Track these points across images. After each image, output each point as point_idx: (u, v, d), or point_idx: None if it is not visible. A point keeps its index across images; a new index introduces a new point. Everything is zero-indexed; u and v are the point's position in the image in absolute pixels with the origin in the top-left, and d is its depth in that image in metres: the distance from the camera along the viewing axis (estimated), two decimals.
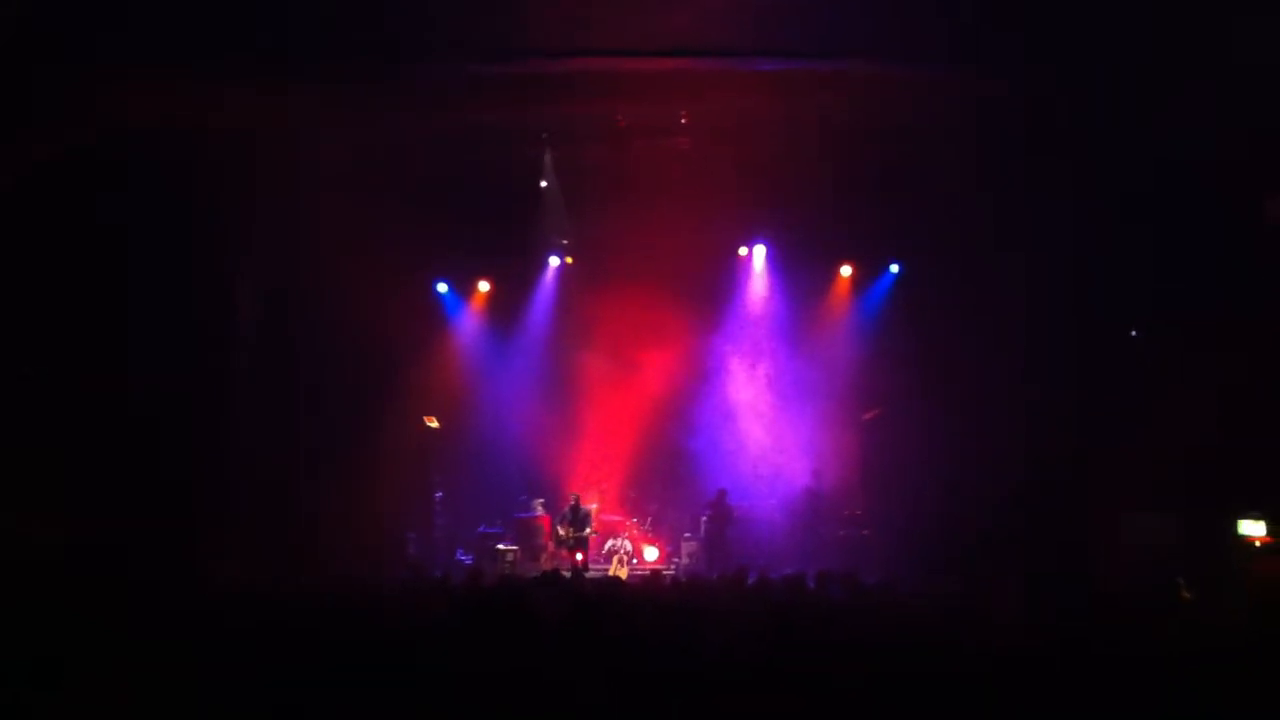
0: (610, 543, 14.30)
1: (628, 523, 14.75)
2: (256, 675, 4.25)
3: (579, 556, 13.47)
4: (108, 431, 10.96)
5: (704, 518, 14.11)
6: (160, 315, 11.66)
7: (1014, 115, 11.57)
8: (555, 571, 9.30)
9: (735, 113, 12.36)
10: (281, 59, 10.14)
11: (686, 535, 14.48)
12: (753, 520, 14.22)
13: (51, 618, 5.27)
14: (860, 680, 4.18)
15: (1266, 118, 9.97)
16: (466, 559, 14.15)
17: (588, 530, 13.63)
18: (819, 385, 15.03)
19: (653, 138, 13.12)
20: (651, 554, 14.44)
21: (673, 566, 13.94)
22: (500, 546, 14.07)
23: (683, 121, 12.84)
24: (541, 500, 14.65)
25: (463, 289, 15.53)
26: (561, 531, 13.79)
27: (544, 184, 14.28)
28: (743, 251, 15.48)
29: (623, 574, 13.26)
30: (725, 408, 15.36)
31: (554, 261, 15.55)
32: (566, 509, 13.83)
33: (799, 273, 15.32)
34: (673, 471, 15.26)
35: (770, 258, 15.50)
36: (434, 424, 14.45)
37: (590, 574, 12.91)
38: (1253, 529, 10.63)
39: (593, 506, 14.30)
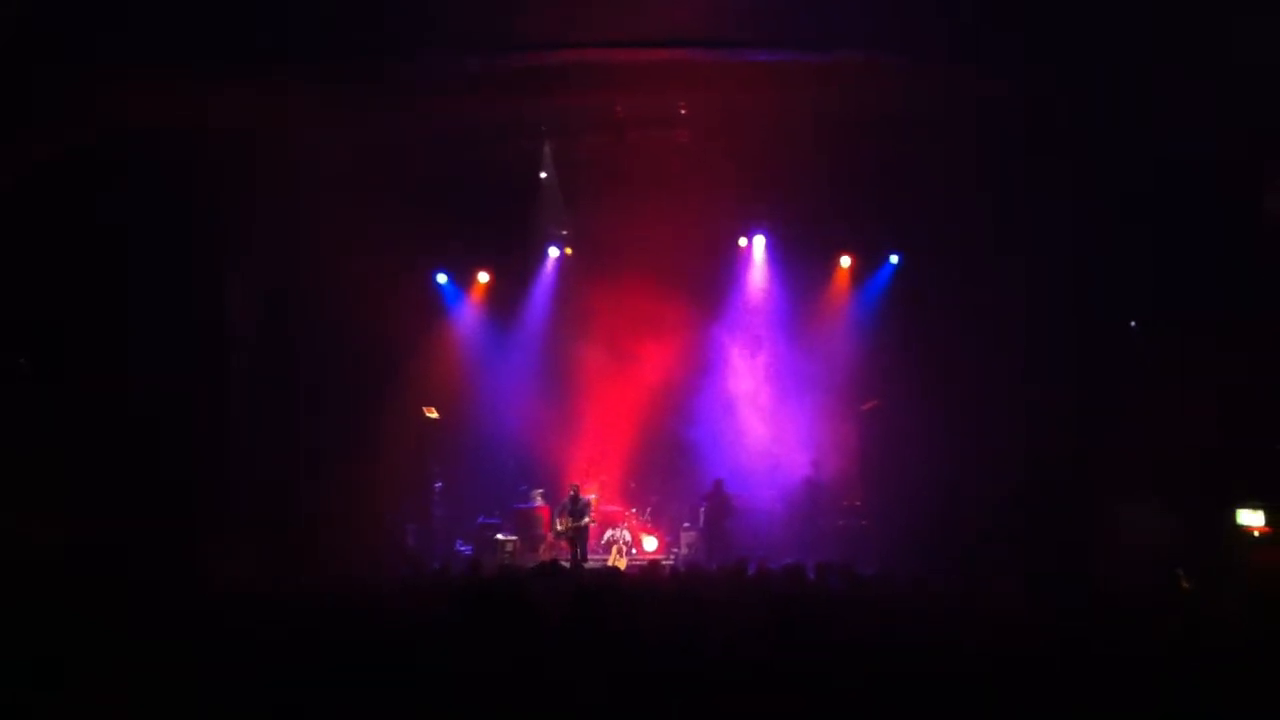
0: (609, 533, 14.34)
1: (627, 513, 14.78)
2: (256, 675, 4.25)
3: (578, 548, 13.51)
4: (108, 431, 10.96)
5: (702, 508, 14.14)
6: (160, 315, 11.66)
7: (1013, 111, 11.56)
8: (554, 562, 9.33)
9: (733, 104, 12.37)
10: (280, 56, 10.14)
11: (685, 525, 14.54)
12: (752, 511, 14.25)
13: (51, 618, 5.27)
14: (860, 679, 4.18)
15: (1266, 117, 9.97)
16: (466, 549, 14.18)
17: (586, 520, 13.66)
18: (818, 376, 15.07)
19: (651, 129, 13.12)
20: (651, 544, 14.47)
21: (672, 557, 14.00)
22: (499, 537, 14.12)
23: (682, 113, 12.83)
24: (541, 491, 14.70)
25: (462, 280, 15.56)
26: (560, 525, 13.82)
27: (543, 176, 14.27)
28: (742, 243, 15.49)
29: (622, 564, 13.31)
30: (724, 399, 15.38)
31: (553, 253, 15.57)
32: (566, 500, 13.88)
33: (798, 263, 15.33)
34: (672, 462, 15.29)
35: (770, 248, 15.51)
36: (433, 415, 14.47)
37: (589, 564, 12.99)
38: (1251, 518, 10.64)
39: (592, 497, 14.34)
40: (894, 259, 14.96)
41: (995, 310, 13.07)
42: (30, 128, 10.29)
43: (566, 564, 11.44)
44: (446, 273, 15.45)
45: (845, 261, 15.25)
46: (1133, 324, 12.71)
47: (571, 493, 13.90)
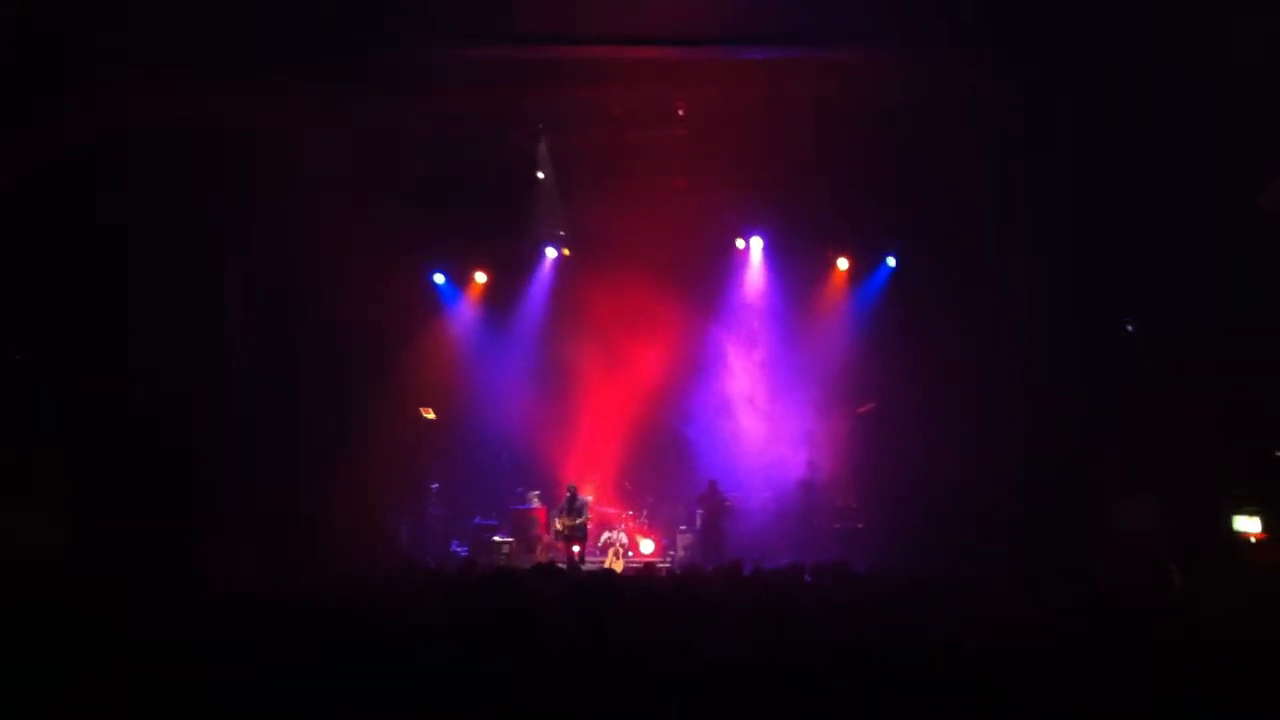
0: (606, 535, 14.34)
1: (623, 515, 14.78)
2: (256, 675, 4.25)
3: (576, 549, 13.51)
4: (108, 431, 10.96)
5: (698, 510, 14.14)
6: (160, 314, 11.66)
7: (1013, 111, 11.56)
8: (551, 563, 9.32)
9: (731, 102, 12.34)
10: (278, 53, 10.13)
11: (682, 528, 14.54)
12: (747, 512, 14.25)
13: (51, 618, 5.27)
14: (859, 679, 4.18)
15: (1266, 117, 9.98)
16: (462, 550, 14.17)
17: (584, 519, 13.67)
18: (814, 378, 15.07)
19: (648, 128, 13.08)
20: (647, 546, 14.47)
21: (668, 559, 13.99)
22: (496, 538, 14.11)
23: (680, 113, 12.85)
24: (537, 492, 14.69)
25: (459, 280, 15.55)
26: (559, 524, 13.82)
27: (540, 175, 14.26)
28: (740, 244, 15.50)
29: (618, 567, 13.30)
30: (721, 400, 15.39)
31: (550, 253, 15.56)
32: (564, 501, 13.89)
33: (795, 265, 15.34)
34: (668, 463, 15.30)
35: (767, 249, 15.51)
36: (430, 415, 14.46)
37: (586, 566, 12.99)
38: (1248, 525, 10.64)
39: (589, 497, 14.34)
40: (890, 261, 14.97)
41: (993, 311, 13.06)
42: (30, 128, 10.29)
43: (563, 565, 11.44)
44: (444, 272, 15.44)
45: (842, 263, 15.26)
46: (1128, 328, 12.70)
47: (569, 493, 13.93)
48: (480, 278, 15.50)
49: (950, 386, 13.20)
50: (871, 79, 11.35)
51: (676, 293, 14.86)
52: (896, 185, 12.97)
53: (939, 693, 4.06)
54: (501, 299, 15.57)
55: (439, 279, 15.44)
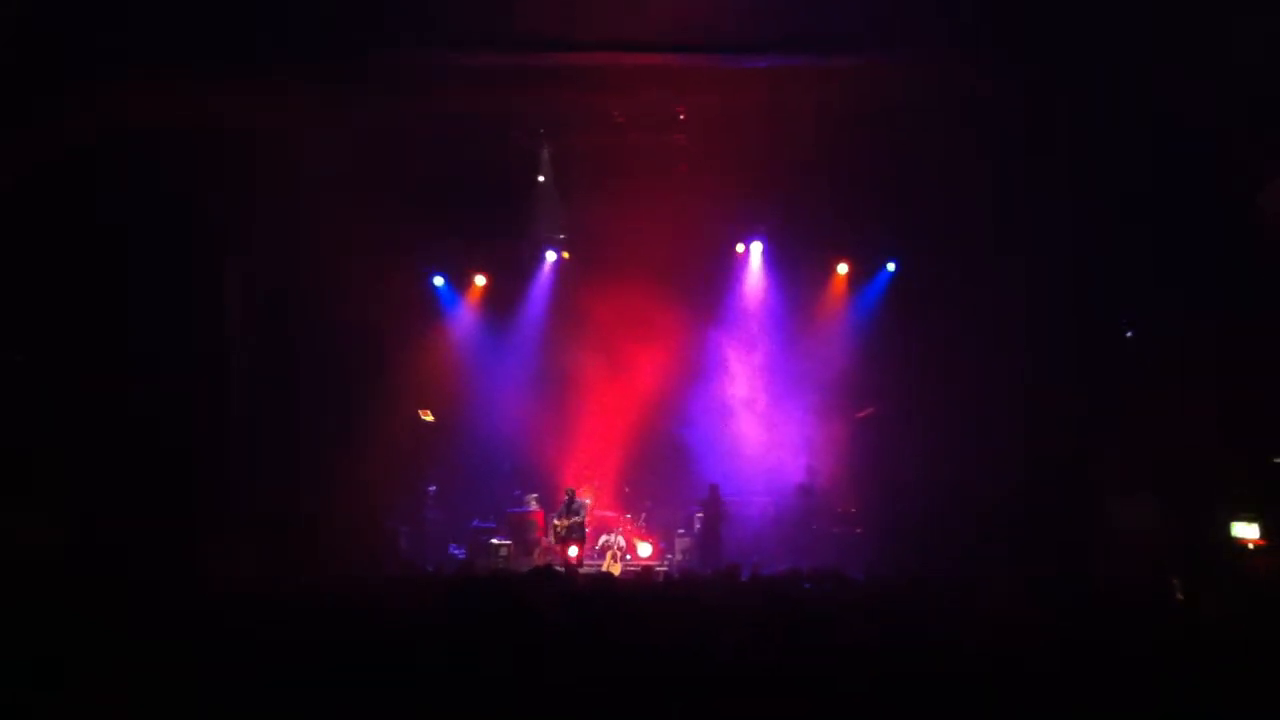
0: (604, 538, 14.33)
1: (622, 519, 14.77)
2: (256, 675, 4.25)
3: (573, 551, 13.50)
4: (108, 431, 10.96)
5: (697, 514, 14.12)
6: (160, 314, 11.66)
7: (1013, 111, 11.56)
8: (549, 566, 9.32)
9: (731, 109, 12.35)
10: (280, 51, 10.14)
11: (680, 531, 14.52)
12: (746, 517, 14.22)
13: (51, 618, 5.27)
14: (860, 682, 4.18)
15: (1266, 116, 9.98)
16: (459, 553, 14.15)
17: (581, 516, 13.70)
18: (814, 382, 15.05)
19: (649, 133, 13.09)
20: (645, 550, 14.46)
21: (666, 563, 13.97)
22: (494, 541, 14.07)
23: (680, 118, 12.85)
24: (535, 495, 14.67)
25: (459, 283, 15.54)
26: (556, 524, 13.83)
27: (540, 179, 14.25)
28: (740, 249, 15.50)
29: (616, 570, 13.30)
30: (720, 404, 15.37)
31: (550, 256, 15.56)
32: (561, 505, 13.92)
33: (795, 269, 15.33)
34: (667, 467, 15.27)
35: (767, 254, 15.51)
36: (429, 418, 14.46)
37: (584, 570, 12.99)
38: (1246, 531, 10.62)
39: (586, 501, 14.34)
40: (890, 266, 14.97)
41: (993, 313, 13.05)
42: (30, 128, 10.29)
43: (561, 569, 11.45)
44: (443, 275, 15.44)
45: (842, 268, 15.26)
46: (1128, 334, 12.70)
47: (566, 497, 13.94)
48: (480, 280, 15.50)
49: (950, 389, 13.19)
50: (871, 83, 11.36)
51: (676, 297, 14.84)
52: (896, 189, 12.96)
53: (940, 694, 4.06)
54: (501, 302, 15.56)
55: (438, 281, 15.44)
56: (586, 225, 14.69)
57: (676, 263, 14.56)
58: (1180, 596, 7.49)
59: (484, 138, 13.18)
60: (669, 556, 14.34)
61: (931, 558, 11.04)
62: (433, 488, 14.62)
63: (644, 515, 14.86)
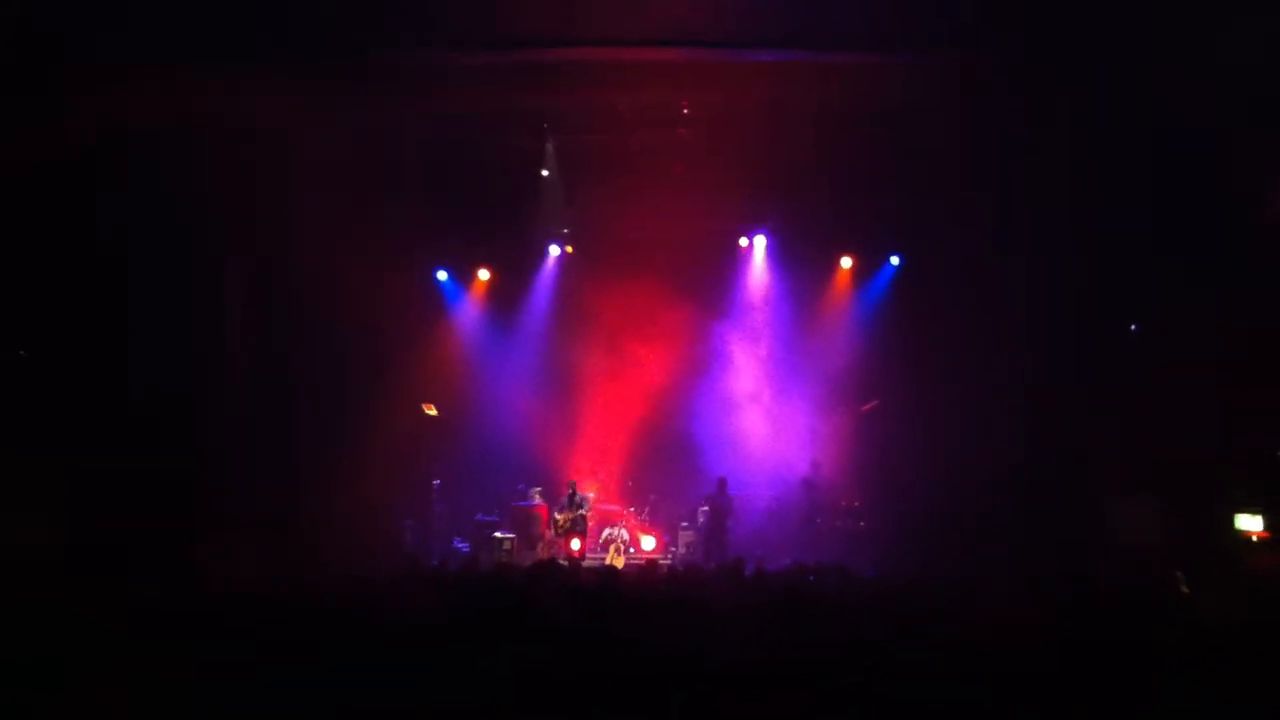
0: (607, 531, 14.36)
1: (625, 512, 14.79)
2: (256, 675, 4.25)
3: (576, 544, 13.50)
4: (108, 431, 10.95)
5: (703, 508, 14.12)
6: (160, 314, 11.66)
7: (1013, 111, 11.56)
8: (552, 560, 9.32)
9: (735, 103, 12.37)
10: (280, 52, 10.14)
11: (684, 525, 14.53)
12: (749, 511, 14.24)
13: (51, 618, 5.27)
14: (862, 679, 4.18)
15: (1266, 117, 9.98)
16: (464, 547, 14.16)
17: (584, 511, 13.72)
18: (817, 376, 15.08)
19: (654, 128, 13.10)
20: (649, 544, 14.48)
21: (670, 556, 13.99)
22: (497, 535, 14.10)
23: (684, 112, 12.82)
24: (539, 489, 14.69)
25: (463, 277, 15.58)
26: (558, 518, 13.84)
27: (545, 173, 14.25)
28: (743, 242, 15.51)
29: (619, 563, 13.31)
30: (724, 398, 15.37)
31: (554, 251, 15.57)
32: (564, 497, 13.91)
33: (799, 264, 15.36)
34: (670, 461, 15.29)
35: (771, 248, 15.52)
36: (433, 412, 14.47)
37: (587, 563, 13.00)
38: (1250, 524, 10.64)
39: (590, 494, 14.36)
40: (894, 260, 14.98)
41: (996, 310, 13.08)
42: (30, 128, 10.29)
43: (565, 562, 11.46)
44: (447, 270, 15.46)
45: (846, 262, 15.26)
46: (1132, 327, 12.70)
47: (569, 490, 13.95)
48: (484, 275, 15.52)
49: (952, 385, 13.21)
50: (873, 79, 11.35)
51: (680, 291, 14.89)
52: (899, 184, 12.98)
53: (940, 693, 4.06)
54: (505, 296, 15.60)
55: (442, 276, 15.46)
56: (590, 220, 14.73)
57: (681, 257, 14.59)
58: (1184, 590, 7.50)
59: (488, 133, 13.20)
60: (672, 550, 14.37)
61: (933, 554, 11.06)
62: (437, 482, 14.65)
63: (648, 509, 14.90)
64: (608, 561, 13.54)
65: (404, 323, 14.35)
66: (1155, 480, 11.28)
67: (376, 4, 9.81)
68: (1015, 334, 12.85)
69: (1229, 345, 10.96)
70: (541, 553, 13.55)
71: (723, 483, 13.93)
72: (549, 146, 14.05)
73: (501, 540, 13.99)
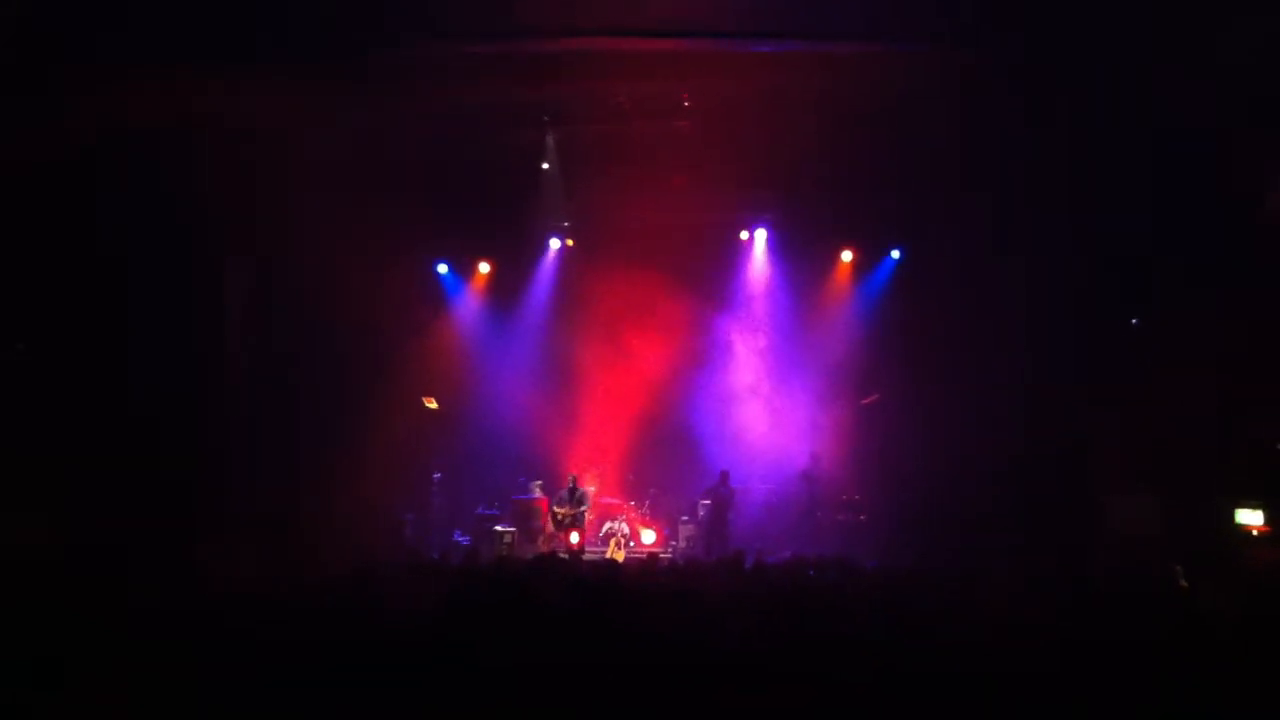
0: (608, 525, 14.36)
1: (626, 505, 14.79)
2: (256, 675, 4.25)
3: (575, 538, 13.49)
4: (108, 431, 10.95)
5: (705, 501, 14.09)
6: (160, 313, 11.66)
7: (1013, 111, 11.56)
8: (553, 554, 9.31)
9: (736, 94, 12.35)
10: (280, 48, 10.15)
11: (684, 519, 14.51)
12: (749, 504, 14.23)
13: (51, 618, 5.27)
14: (862, 673, 4.18)
15: (1266, 116, 9.98)
16: (464, 540, 14.15)
17: (584, 507, 13.70)
18: (818, 369, 15.10)
19: (654, 119, 13.08)
20: (649, 537, 14.48)
21: (670, 550, 13.98)
22: (498, 528, 14.09)
23: (685, 104, 12.81)
24: (540, 482, 14.66)
25: (463, 270, 15.58)
26: (559, 512, 13.83)
27: (545, 166, 14.24)
28: (744, 235, 15.51)
29: (620, 557, 13.31)
30: (725, 391, 15.40)
31: (554, 244, 15.56)
32: (564, 490, 13.90)
33: (800, 257, 15.38)
34: (671, 454, 15.29)
35: (771, 241, 15.52)
36: (433, 405, 14.46)
37: (587, 556, 13.00)
38: (1250, 518, 10.64)
39: (591, 488, 14.35)
40: (895, 254, 14.99)
41: (996, 303, 13.10)
42: (30, 128, 10.28)
43: (565, 555, 11.45)
44: (447, 263, 15.47)
45: (847, 256, 15.27)
46: (1133, 321, 12.70)
47: (570, 483, 13.95)
48: (484, 267, 15.52)
49: (953, 378, 13.23)
50: (874, 72, 11.37)
51: (681, 283, 14.90)
52: (901, 177, 12.99)
53: (940, 691, 4.06)
54: (505, 289, 15.61)
55: (442, 269, 15.45)
56: (591, 212, 14.73)
57: (681, 249, 14.60)
58: (1184, 583, 7.51)
59: (488, 127, 13.19)
60: (673, 543, 14.37)
61: (934, 547, 11.08)
62: (438, 475, 14.64)
63: (648, 502, 14.89)
64: (608, 555, 13.53)
65: (405, 320, 14.38)
66: (1156, 474, 11.28)
67: (377, 1, 9.80)
68: (1016, 330, 12.87)
69: (1229, 344, 10.96)
70: (542, 546, 13.56)
71: (725, 475, 13.89)
72: (549, 139, 14.02)
73: (502, 534, 13.99)
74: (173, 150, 11.07)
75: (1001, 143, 11.96)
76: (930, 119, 11.92)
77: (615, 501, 14.89)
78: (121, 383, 11.29)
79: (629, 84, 12.28)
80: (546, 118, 13.65)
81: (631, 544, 14.24)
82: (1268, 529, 10.49)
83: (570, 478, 14.07)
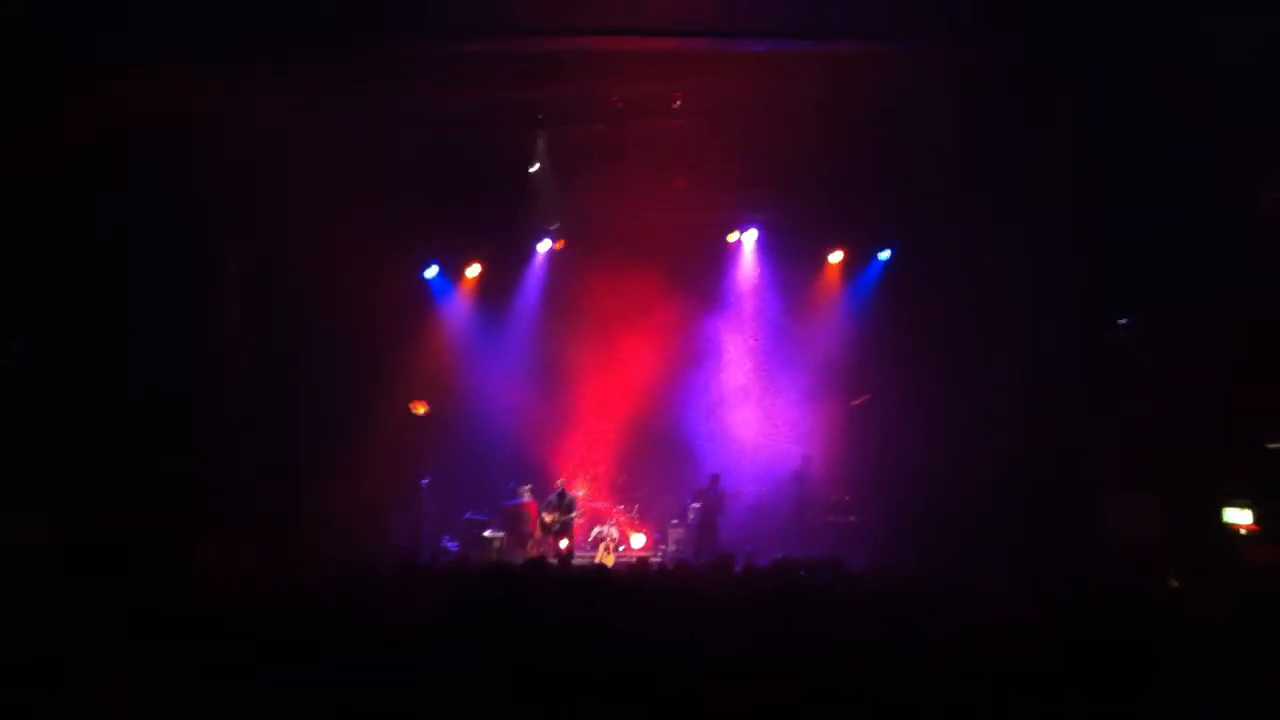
0: (597, 529, 14.32)
1: (615, 509, 14.75)
2: (256, 675, 4.25)
3: (564, 543, 13.46)
4: (108, 431, 10.95)
5: (695, 504, 14.06)
6: (159, 314, 11.66)
7: (1013, 111, 11.56)
8: (541, 558, 9.30)
9: (730, 95, 12.35)
10: (277, 45, 10.15)
11: (674, 522, 14.49)
12: (740, 507, 14.21)
13: (51, 618, 5.27)
14: (855, 674, 4.18)
15: (1266, 116, 9.98)
16: (453, 545, 14.12)
17: (573, 514, 13.65)
18: (808, 371, 15.08)
19: (646, 120, 13.06)
20: (639, 541, 14.46)
21: (660, 554, 13.95)
22: (487, 534, 14.06)
23: (676, 105, 12.79)
24: (529, 487, 14.65)
25: (453, 273, 15.54)
26: (547, 518, 13.79)
27: (536, 167, 14.23)
28: (733, 237, 15.49)
29: (609, 561, 13.29)
30: (715, 393, 15.42)
31: (544, 246, 15.52)
32: (553, 495, 13.84)
33: (791, 258, 15.38)
34: (661, 457, 15.28)
35: (762, 242, 15.50)
36: (422, 410, 14.45)
37: (576, 561, 12.96)
38: (1238, 517, 10.63)
39: (580, 493, 14.32)
40: (884, 255, 14.99)
41: (996, 304, 13.08)
42: (30, 128, 10.28)
43: (554, 561, 11.45)
44: (438, 265, 15.42)
45: (837, 256, 15.26)
46: (1122, 322, 12.67)
47: (558, 488, 13.88)
48: (474, 271, 15.47)
49: (952, 378, 13.22)
50: (873, 73, 11.37)
51: (672, 285, 14.89)
52: (893, 178, 12.99)
53: (938, 692, 4.05)
54: (495, 291, 15.57)
55: (432, 272, 15.41)
56: (582, 214, 14.68)
57: (672, 251, 14.61)
58: (1175, 585, 7.50)
59: (479, 126, 13.16)
60: (663, 547, 14.35)
61: (929, 547, 11.07)
62: (426, 480, 14.60)
63: (638, 506, 14.86)
64: (598, 560, 13.51)
65: (403, 320, 14.37)
66: (1155, 474, 11.27)
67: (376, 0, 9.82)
68: (1011, 328, 12.86)
69: (1229, 344, 10.95)
70: (531, 551, 13.52)
71: (715, 479, 13.87)
72: (541, 140, 14.00)
73: (491, 539, 13.94)
74: (173, 150, 11.08)
75: (1001, 143, 11.94)
76: (930, 119, 11.91)
77: (605, 505, 14.85)
78: (121, 383, 11.29)
79: (628, 83, 12.26)
80: (540, 116, 13.62)
81: (621, 548, 14.21)
82: (1256, 527, 10.47)
83: (559, 483, 13.99)
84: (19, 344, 10.84)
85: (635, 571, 8.47)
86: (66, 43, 9.41)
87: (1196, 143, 10.56)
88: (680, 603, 5.51)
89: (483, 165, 13.68)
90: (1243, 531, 10.54)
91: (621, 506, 14.87)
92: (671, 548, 14.16)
